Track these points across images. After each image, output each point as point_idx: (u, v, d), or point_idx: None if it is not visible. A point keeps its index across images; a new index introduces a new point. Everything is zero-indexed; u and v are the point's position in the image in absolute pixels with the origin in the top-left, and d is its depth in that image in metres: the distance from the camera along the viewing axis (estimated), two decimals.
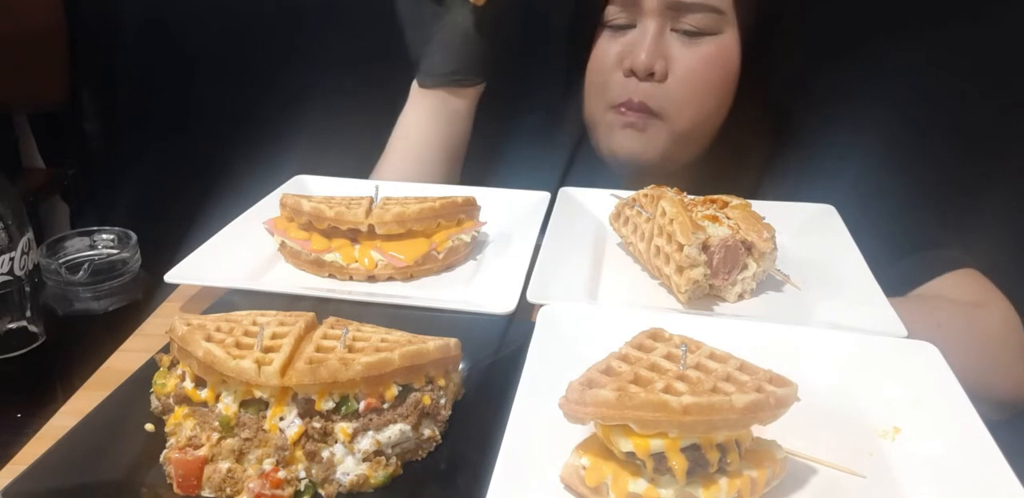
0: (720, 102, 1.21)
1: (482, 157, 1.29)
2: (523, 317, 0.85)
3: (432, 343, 0.69)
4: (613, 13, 1.17)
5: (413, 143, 1.26)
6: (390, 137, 1.30)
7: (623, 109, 1.18)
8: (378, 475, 0.65)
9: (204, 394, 0.67)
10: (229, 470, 0.63)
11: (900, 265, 1.09)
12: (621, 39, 1.17)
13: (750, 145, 1.25)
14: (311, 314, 0.74)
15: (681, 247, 0.85)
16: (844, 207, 1.06)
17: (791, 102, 1.36)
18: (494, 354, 0.79)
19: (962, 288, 1.08)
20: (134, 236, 1.04)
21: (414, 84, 1.26)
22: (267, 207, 1.09)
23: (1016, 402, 1.02)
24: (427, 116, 1.26)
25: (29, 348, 0.95)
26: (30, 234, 1.09)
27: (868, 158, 1.24)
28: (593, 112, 1.25)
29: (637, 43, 1.15)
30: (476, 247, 1.03)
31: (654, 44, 1.14)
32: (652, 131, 1.19)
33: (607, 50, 1.19)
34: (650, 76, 1.15)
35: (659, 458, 0.57)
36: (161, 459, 0.66)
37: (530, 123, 1.38)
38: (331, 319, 0.74)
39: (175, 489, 0.63)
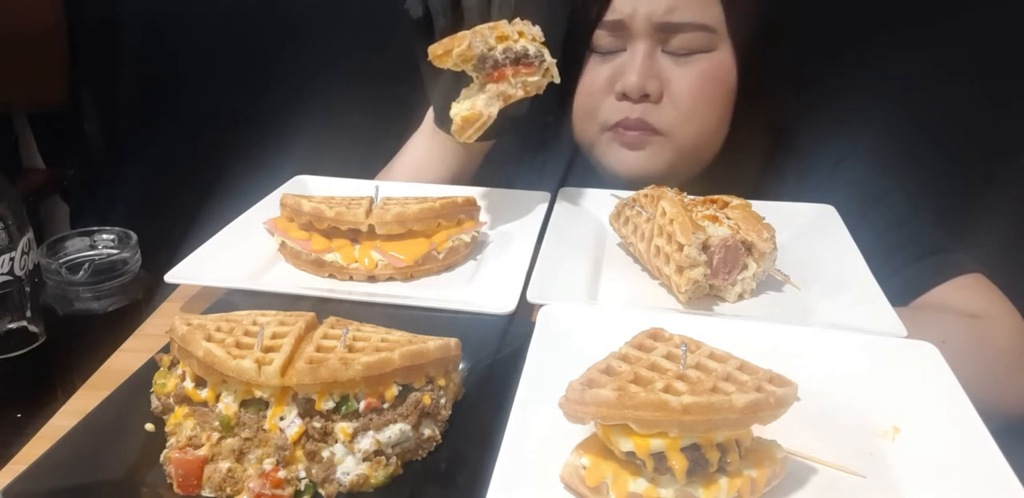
0: (722, 118, 1.18)
1: (483, 158, 1.29)
2: (523, 317, 0.85)
3: (432, 343, 0.69)
4: (602, 38, 1.13)
5: (420, 174, 1.22)
6: (395, 158, 1.26)
7: (620, 129, 1.15)
8: (378, 475, 0.65)
9: (204, 394, 0.67)
10: (229, 470, 0.63)
11: (905, 272, 1.08)
12: (611, 62, 1.14)
13: (751, 155, 1.22)
14: (311, 314, 0.74)
15: (681, 247, 0.85)
16: (846, 214, 1.05)
17: (789, 111, 1.35)
18: (494, 354, 0.79)
19: (967, 295, 1.07)
20: (134, 236, 1.04)
21: (430, 115, 1.21)
22: (267, 207, 1.09)
23: None
24: (437, 151, 1.22)
25: (29, 348, 0.95)
26: (30, 234, 1.09)
27: (868, 163, 1.24)
28: (586, 135, 1.21)
29: (627, 65, 1.12)
30: (476, 247, 1.03)
31: (645, 65, 1.10)
32: (654, 148, 1.16)
33: (596, 74, 1.16)
34: (644, 97, 1.11)
35: (659, 458, 0.57)
36: (161, 459, 0.66)
37: (530, 124, 1.37)
38: (331, 319, 0.74)
39: (175, 489, 0.63)
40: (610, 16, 1.11)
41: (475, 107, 0.95)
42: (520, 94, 0.96)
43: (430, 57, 0.95)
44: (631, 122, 1.14)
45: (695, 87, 1.12)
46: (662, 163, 1.17)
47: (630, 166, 1.18)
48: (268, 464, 0.63)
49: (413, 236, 0.97)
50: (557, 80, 0.98)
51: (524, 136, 1.34)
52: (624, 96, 1.13)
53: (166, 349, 0.74)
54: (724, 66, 1.14)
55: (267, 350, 0.66)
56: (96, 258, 1.02)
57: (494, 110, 0.95)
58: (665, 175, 1.16)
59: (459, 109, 0.97)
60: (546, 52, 0.96)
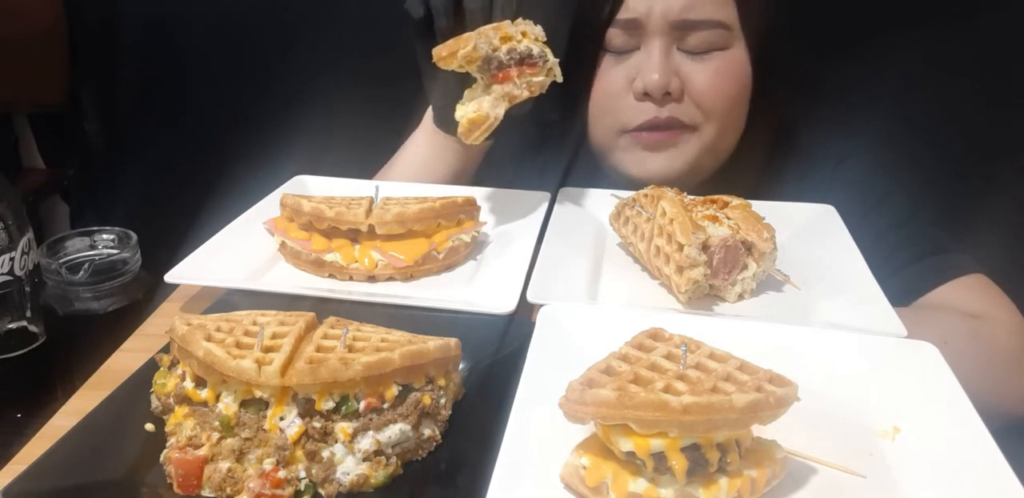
0: (740, 116, 1.18)
1: (483, 158, 1.29)
2: (523, 317, 0.85)
3: (432, 343, 0.69)
4: (616, 37, 1.12)
5: (420, 173, 1.22)
6: (395, 157, 1.26)
7: (643, 133, 1.13)
8: (378, 475, 0.65)
9: (204, 394, 0.67)
10: (229, 470, 0.63)
11: (906, 272, 1.08)
12: (626, 62, 1.13)
13: (752, 154, 1.22)
14: (311, 314, 0.74)
15: (681, 247, 0.85)
16: (847, 214, 1.05)
17: (791, 111, 1.35)
18: (494, 354, 0.79)
19: (968, 296, 1.07)
20: (134, 236, 1.04)
21: (429, 114, 1.20)
22: (267, 207, 1.09)
23: None
24: (437, 150, 1.21)
25: (29, 348, 0.95)
26: (30, 234, 1.09)
27: (869, 164, 1.24)
28: (602, 137, 1.19)
29: (644, 64, 1.10)
30: (476, 247, 1.03)
31: (664, 62, 1.09)
32: (682, 147, 1.14)
33: (613, 75, 1.14)
34: (667, 96, 1.10)
35: (659, 458, 0.57)
36: (161, 459, 0.66)
37: (530, 123, 1.37)
38: (331, 319, 0.74)
39: (175, 489, 0.63)
40: (624, 15, 1.10)
41: (481, 109, 0.95)
42: (525, 94, 0.96)
43: (435, 59, 0.94)
44: (662, 121, 1.12)
45: (714, 84, 1.12)
46: (685, 164, 1.15)
47: (651, 170, 1.15)
48: (268, 464, 0.63)
49: (413, 236, 0.97)
50: (560, 79, 0.98)
51: (524, 135, 1.34)
52: (645, 95, 1.11)
53: (166, 349, 0.74)
54: (739, 63, 1.14)
55: (267, 350, 0.66)
56: (96, 258, 1.02)
57: (500, 111, 0.95)
58: (685, 176, 1.15)
59: (465, 111, 0.97)
60: (549, 52, 0.96)
